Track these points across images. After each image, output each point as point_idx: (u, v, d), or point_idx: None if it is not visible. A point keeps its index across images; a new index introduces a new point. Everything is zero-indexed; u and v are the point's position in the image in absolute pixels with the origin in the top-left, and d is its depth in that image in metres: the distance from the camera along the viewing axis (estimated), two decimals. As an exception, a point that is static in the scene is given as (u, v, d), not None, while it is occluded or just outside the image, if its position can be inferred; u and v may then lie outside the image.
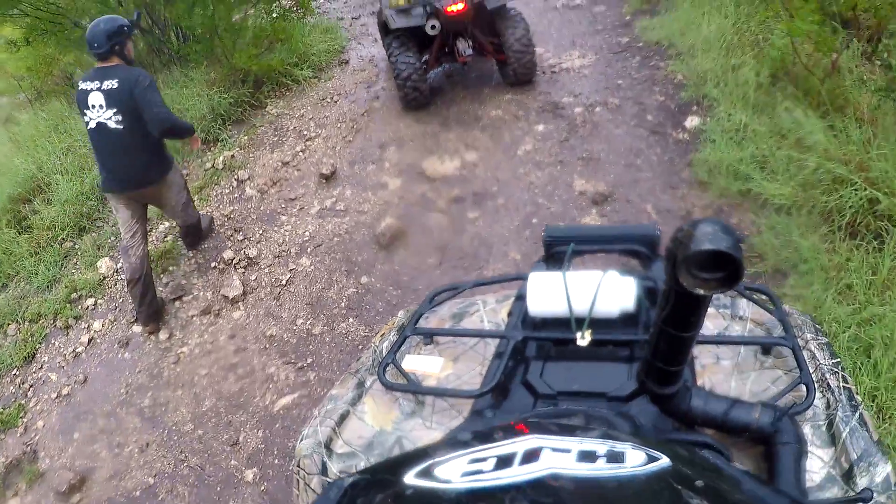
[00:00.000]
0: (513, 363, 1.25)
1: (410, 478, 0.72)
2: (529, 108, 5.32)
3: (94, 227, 5.58)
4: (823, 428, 1.06)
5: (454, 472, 0.71)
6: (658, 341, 0.93)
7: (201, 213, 4.87)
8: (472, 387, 1.25)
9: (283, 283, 4.36)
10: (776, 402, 1.07)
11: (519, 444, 0.74)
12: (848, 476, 0.98)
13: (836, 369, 1.17)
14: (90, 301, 4.79)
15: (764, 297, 1.35)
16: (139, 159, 3.94)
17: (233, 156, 5.76)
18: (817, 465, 1.00)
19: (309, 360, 3.79)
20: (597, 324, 1.19)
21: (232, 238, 4.92)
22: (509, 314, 1.42)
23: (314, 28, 7.48)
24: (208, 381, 3.88)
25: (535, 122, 5.12)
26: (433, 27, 5.02)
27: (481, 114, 5.40)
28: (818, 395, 1.11)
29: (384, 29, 5.61)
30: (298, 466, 1.21)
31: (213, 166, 5.70)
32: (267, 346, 3.98)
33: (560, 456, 0.71)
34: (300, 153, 5.55)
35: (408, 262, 4.24)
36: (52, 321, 4.78)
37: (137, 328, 4.39)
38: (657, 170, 4.36)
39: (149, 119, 3.74)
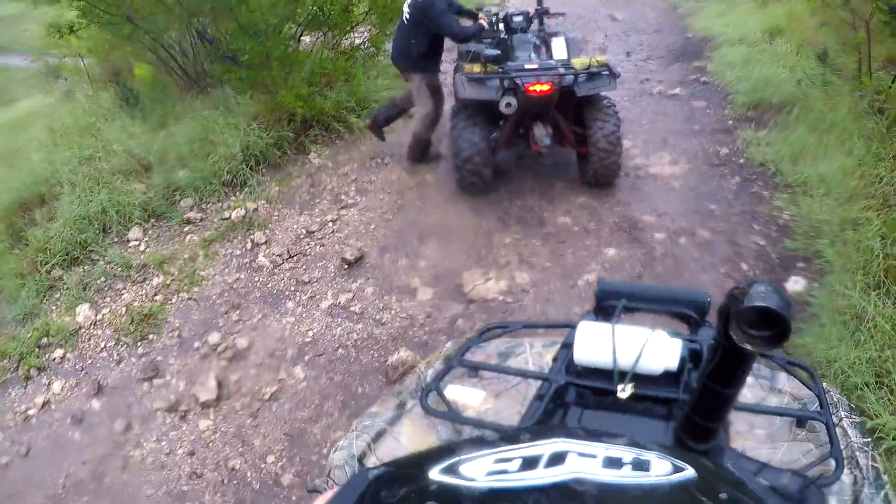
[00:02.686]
0: (552, 406, 1.25)
1: (435, 473, 0.71)
2: (603, 222, 4.45)
3: (87, 260, 4.94)
4: (849, 503, 1.07)
5: (479, 470, 0.70)
6: (700, 396, 0.95)
7: (434, 149, 5.40)
8: (511, 423, 1.25)
9: (267, 396, 3.59)
10: (805, 472, 1.07)
11: (545, 447, 0.74)
12: None
13: (866, 448, 1.19)
14: (58, 353, 4.16)
15: (804, 372, 1.36)
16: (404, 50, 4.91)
17: (256, 209, 5.07)
18: None
19: (264, 527, 3.01)
20: (638, 379, 1.20)
21: (226, 316, 4.21)
22: (554, 359, 1.42)
23: (385, 69, 6.78)
24: (150, 509, 3.15)
25: (606, 243, 4.25)
26: (508, 105, 4.22)
27: (547, 217, 4.56)
28: (846, 471, 1.11)
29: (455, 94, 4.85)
30: (328, 476, 1.20)
31: (230, 217, 5.01)
32: (225, 481, 3.21)
33: (586, 461, 0.71)
34: (330, 223, 4.81)
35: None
36: (14, 366, 4.16)
37: (96, 404, 3.74)
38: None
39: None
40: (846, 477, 1.11)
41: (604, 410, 1.25)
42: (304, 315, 4.12)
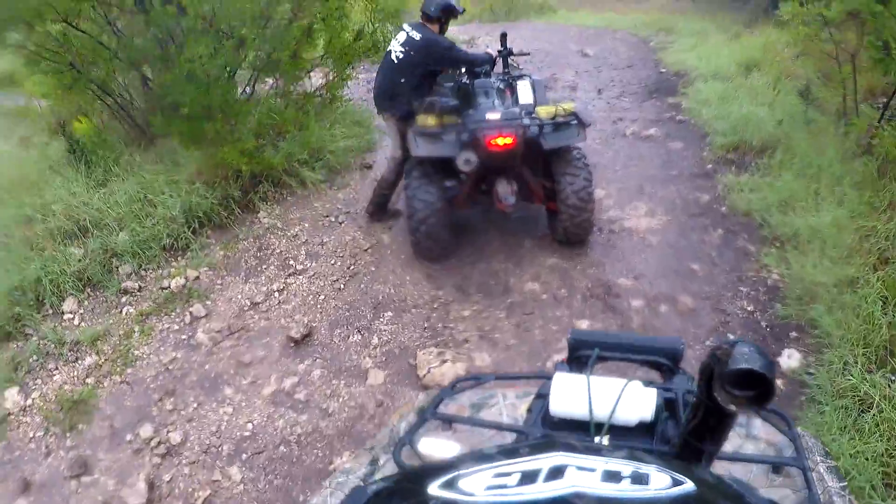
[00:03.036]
0: None
1: (434, 488, 0.72)
2: (575, 287, 4.04)
3: (20, 335, 4.44)
4: None
5: (478, 485, 0.71)
6: (681, 453, 0.97)
7: (392, 205, 5.03)
8: None
9: (199, 502, 3.12)
10: None
11: (544, 461, 0.75)
12: None
13: (843, 492, 1.20)
14: (-19, 443, 3.65)
15: (779, 418, 1.35)
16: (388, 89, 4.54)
17: (198, 277, 4.61)
18: None
19: None
20: (614, 430, 1.20)
21: (160, 404, 3.74)
22: (528, 410, 1.39)
23: (342, 117, 6.38)
24: None
25: (578, 313, 3.83)
26: (468, 162, 3.82)
27: (512, 283, 4.14)
28: None
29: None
30: None
31: (169, 287, 4.55)
32: None
33: (585, 474, 0.71)
34: (276, 294, 4.36)
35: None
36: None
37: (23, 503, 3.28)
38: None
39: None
40: None
41: None
42: (243, 404, 3.65)
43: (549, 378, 1.32)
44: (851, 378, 2.91)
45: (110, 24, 5.26)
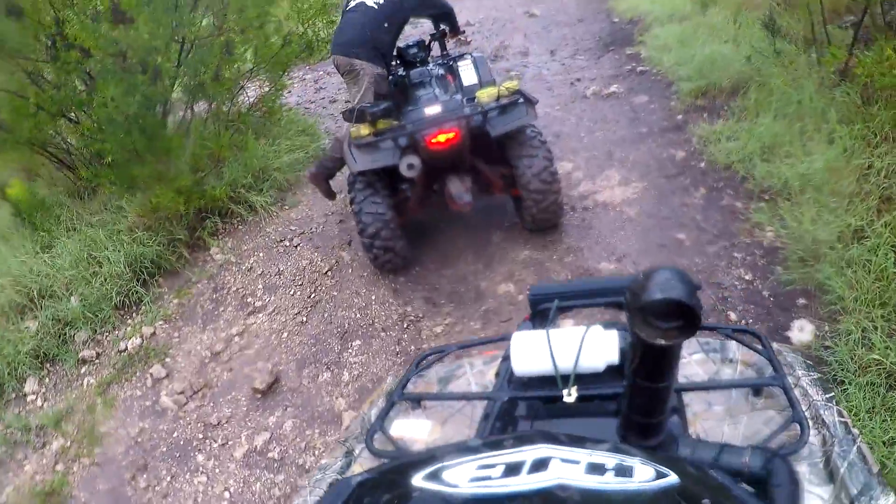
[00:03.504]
0: (501, 424, 1.23)
1: (418, 480, 0.72)
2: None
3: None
4: (821, 465, 1.03)
5: (462, 476, 0.71)
6: (633, 395, 0.94)
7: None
8: None
9: None
10: (768, 443, 1.06)
11: (528, 453, 0.74)
12: None
13: (829, 404, 1.15)
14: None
15: (753, 337, 1.33)
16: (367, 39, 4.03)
17: (154, 333, 4.27)
18: None
19: None
20: (583, 379, 1.17)
21: (133, 483, 3.45)
22: (497, 374, 1.38)
23: (286, 128, 5.97)
24: None
25: (560, 310, 3.49)
26: (411, 167, 3.45)
27: (484, 287, 3.79)
28: (813, 431, 1.08)
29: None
30: None
31: (126, 349, 4.21)
32: None
33: (569, 467, 0.71)
34: (236, 339, 4.02)
35: None
36: None
37: None
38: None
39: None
40: (814, 438, 1.07)
41: (553, 418, 1.21)
42: (217, 470, 3.34)
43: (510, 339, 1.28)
44: (874, 348, 2.58)
45: (30, 77, 4.84)
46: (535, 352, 1.21)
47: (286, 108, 6.22)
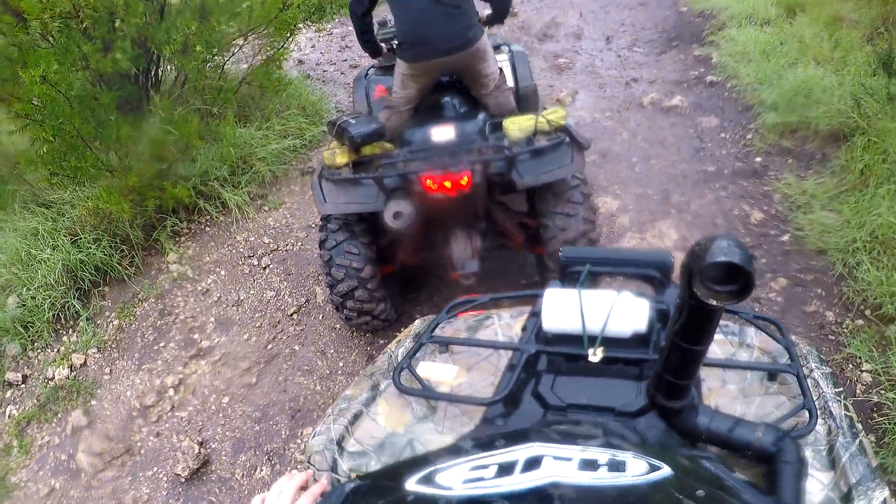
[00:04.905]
0: (525, 375, 1.24)
1: (412, 484, 0.71)
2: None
3: None
4: (824, 453, 1.06)
5: (455, 478, 0.71)
6: (669, 354, 0.95)
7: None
8: (485, 396, 1.22)
9: None
10: (779, 424, 1.06)
11: (521, 452, 0.74)
12: (846, 499, 0.97)
13: (838, 398, 1.17)
14: None
15: (772, 326, 1.33)
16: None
17: (84, 363, 3.55)
18: (817, 488, 0.99)
19: None
20: (608, 342, 1.20)
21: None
22: (523, 329, 1.40)
23: (288, 102, 5.08)
24: None
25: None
26: (398, 216, 2.57)
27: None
28: (820, 421, 1.10)
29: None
30: (309, 462, 1.18)
31: (54, 378, 3.51)
32: None
33: (561, 464, 0.70)
34: (170, 392, 3.27)
35: None
36: None
37: None
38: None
39: None
40: (820, 427, 1.09)
41: (576, 376, 1.22)
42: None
43: (543, 296, 1.28)
44: None
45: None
46: (566, 310, 1.22)
47: (287, 81, 5.28)
